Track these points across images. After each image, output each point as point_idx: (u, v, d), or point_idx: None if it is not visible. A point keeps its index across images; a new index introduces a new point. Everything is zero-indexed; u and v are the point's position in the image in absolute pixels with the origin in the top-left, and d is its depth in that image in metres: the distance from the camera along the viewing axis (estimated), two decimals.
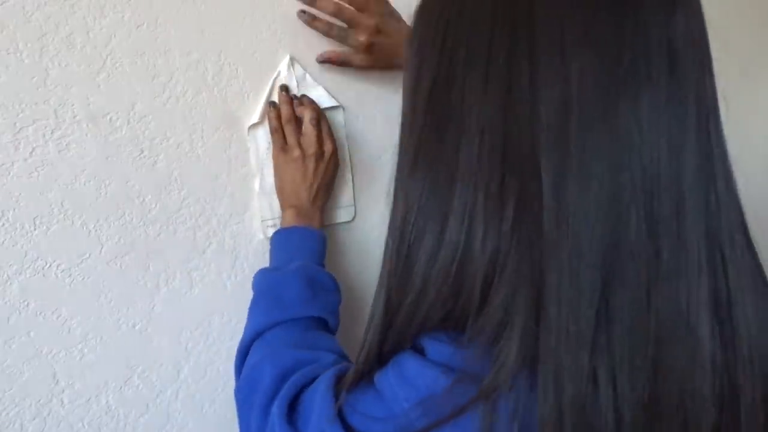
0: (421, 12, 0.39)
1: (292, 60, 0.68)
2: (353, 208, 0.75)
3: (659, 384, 0.31)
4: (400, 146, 0.39)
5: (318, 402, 0.39)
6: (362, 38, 0.65)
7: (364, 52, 0.67)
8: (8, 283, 0.52)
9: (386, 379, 0.36)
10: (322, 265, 0.63)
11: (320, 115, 0.67)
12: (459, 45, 0.35)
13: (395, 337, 0.37)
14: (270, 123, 0.65)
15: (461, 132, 0.34)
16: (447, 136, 0.35)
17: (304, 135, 0.65)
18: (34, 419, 0.54)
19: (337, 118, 0.72)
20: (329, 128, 0.67)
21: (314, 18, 0.66)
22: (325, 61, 0.68)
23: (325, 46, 0.72)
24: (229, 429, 0.68)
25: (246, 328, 0.57)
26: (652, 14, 0.32)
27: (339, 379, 0.40)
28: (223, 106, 0.63)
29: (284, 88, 0.66)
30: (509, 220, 0.32)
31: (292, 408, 0.42)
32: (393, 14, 0.67)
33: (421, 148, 0.36)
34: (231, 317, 0.66)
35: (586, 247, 0.31)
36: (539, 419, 0.30)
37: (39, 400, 0.55)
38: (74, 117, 0.54)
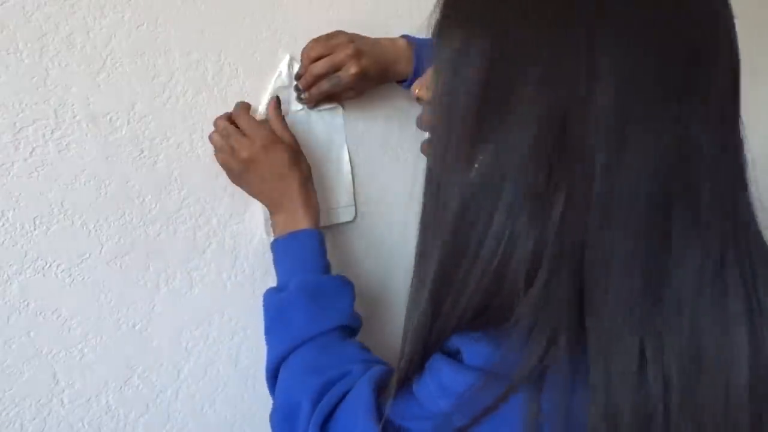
0: (454, 5, 0.37)
1: (292, 60, 0.68)
2: (354, 208, 0.75)
3: (702, 375, 0.31)
4: (438, 142, 0.38)
5: (362, 417, 0.39)
6: (353, 69, 0.63)
7: (361, 80, 0.65)
8: (8, 283, 0.52)
9: (425, 388, 0.36)
10: (324, 264, 0.61)
11: (234, 117, 0.62)
12: (512, 40, 0.34)
13: (435, 338, 0.37)
14: (216, 157, 0.62)
15: (515, 126, 0.33)
16: (499, 132, 0.34)
17: (232, 147, 0.61)
18: (34, 419, 0.54)
19: (337, 119, 0.72)
20: (250, 121, 0.62)
21: (306, 90, 0.65)
22: (320, 101, 0.67)
23: None
24: (229, 429, 0.68)
25: (268, 354, 0.57)
26: (721, 6, 0.33)
27: (378, 389, 0.40)
28: (223, 106, 0.63)
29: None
30: (557, 216, 0.32)
31: (326, 428, 0.43)
32: (357, 36, 0.66)
33: (472, 142, 0.35)
34: (231, 317, 0.66)
35: (632, 242, 0.31)
36: (591, 404, 0.31)
37: (39, 400, 0.55)
38: (74, 117, 0.54)
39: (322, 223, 0.65)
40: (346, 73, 0.63)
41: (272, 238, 0.63)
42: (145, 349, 0.60)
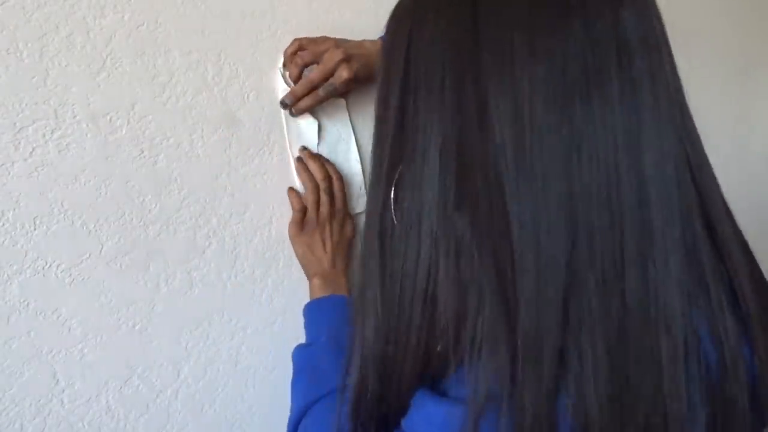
0: (385, 44, 0.40)
1: None
2: (364, 198, 0.75)
3: (630, 379, 0.31)
4: (371, 172, 0.40)
5: None
6: (345, 74, 0.63)
7: (351, 84, 0.65)
8: (8, 283, 0.52)
9: (412, 422, 0.36)
10: None
11: (334, 178, 0.68)
12: (418, 71, 0.36)
13: (393, 375, 0.37)
14: (292, 202, 0.68)
15: (424, 159, 0.35)
16: (411, 164, 0.36)
17: (321, 206, 0.67)
18: (34, 419, 0.54)
19: (340, 110, 0.72)
20: (341, 188, 0.68)
21: (299, 100, 0.65)
22: (308, 108, 0.68)
23: None
24: (229, 429, 0.68)
25: (292, 408, 0.58)
26: (598, 16, 0.32)
27: None
28: (223, 106, 0.63)
29: (303, 148, 0.68)
30: (468, 241, 0.33)
31: None
32: (341, 40, 0.66)
33: (391, 180, 0.37)
34: (231, 317, 0.66)
35: (549, 251, 0.31)
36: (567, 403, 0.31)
37: (39, 400, 0.55)
38: (74, 117, 0.54)
39: None
40: (339, 80, 0.64)
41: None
42: (145, 349, 0.60)
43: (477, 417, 0.31)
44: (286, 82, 0.67)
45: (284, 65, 0.67)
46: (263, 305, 0.69)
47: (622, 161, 0.32)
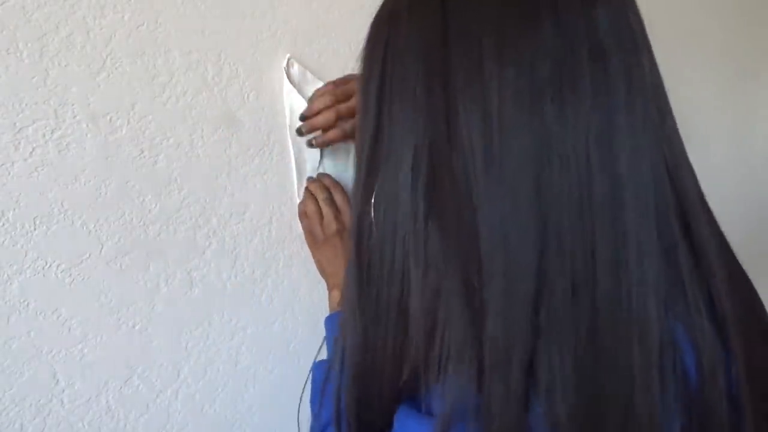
0: (364, 53, 0.40)
1: (291, 60, 0.68)
2: None
3: (600, 388, 0.31)
4: (354, 184, 0.40)
5: None
6: None
7: None
8: (8, 283, 0.52)
9: None
10: None
11: (333, 190, 0.68)
12: (392, 80, 0.36)
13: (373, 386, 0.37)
14: (301, 220, 0.68)
15: (397, 168, 0.35)
16: (387, 173, 0.36)
17: (324, 217, 0.67)
18: (34, 419, 0.54)
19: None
20: (345, 199, 0.68)
21: (316, 129, 0.65)
22: (325, 144, 0.67)
23: (325, 45, 0.72)
24: (229, 429, 0.68)
25: (312, 425, 0.57)
26: (569, 17, 0.32)
27: None
28: (223, 106, 0.63)
29: (309, 179, 0.69)
30: (436, 251, 0.33)
31: None
32: None
33: (368, 189, 0.37)
34: (231, 317, 0.66)
35: (517, 256, 0.31)
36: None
37: (39, 400, 0.55)
38: (74, 117, 0.54)
39: None
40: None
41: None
42: (145, 349, 0.60)
43: (446, 429, 0.31)
44: (291, 81, 0.67)
45: (289, 62, 0.67)
46: (263, 305, 0.69)
47: (594, 162, 0.31)
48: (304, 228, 0.69)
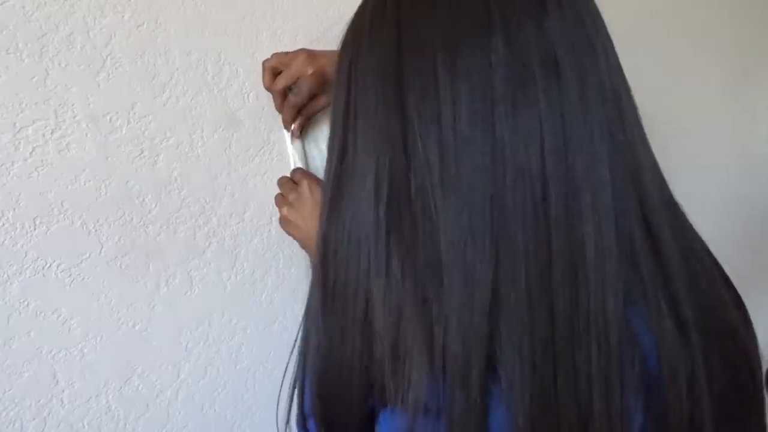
0: (335, 75, 0.40)
1: None
2: None
3: (558, 393, 0.31)
4: (321, 201, 0.40)
5: None
6: (309, 70, 0.61)
7: (321, 82, 0.63)
8: (8, 283, 0.52)
9: None
10: None
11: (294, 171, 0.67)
12: (356, 99, 0.37)
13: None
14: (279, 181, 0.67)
15: (360, 184, 0.35)
16: (351, 189, 0.36)
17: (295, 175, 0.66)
18: (34, 419, 0.54)
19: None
20: (300, 171, 0.67)
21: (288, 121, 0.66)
22: (300, 128, 0.67)
23: (325, 45, 0.72)
24: (229, 429, 0.68)
25: None
26: (520, 29, 0.32)
27: None
28: (223, 106, 0.63)
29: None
30: (399, 264, 0.33)
31: None
32: (314, 52, 0.64)
33: (333, 208, 0.38)
34: (231, 317, 0.66)
35: (474, 268, 0.31)
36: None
37: (39, 400, 0.55)
38: (74, 117, 0.54)
39: None
40: (305, 77, 0.61)
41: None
42: (145, 349, 0.60)
43: (413, 421, 0.31)
44: None
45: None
46: (263, 305, 0.69)
47: (549, 173, 0.31)
48: (277, 204, 0.66)
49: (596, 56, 0.34)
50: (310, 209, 0.63)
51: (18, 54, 0.51)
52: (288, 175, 0.68)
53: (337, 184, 0.38)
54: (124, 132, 0.57)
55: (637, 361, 0.32)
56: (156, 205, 0.60)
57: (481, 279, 0.31)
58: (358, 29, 0.39)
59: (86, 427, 0.57)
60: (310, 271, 0.67)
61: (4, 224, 0.52)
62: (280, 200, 0.65)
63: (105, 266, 0.57)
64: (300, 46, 0.68)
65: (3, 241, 0.52)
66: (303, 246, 0.65)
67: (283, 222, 0.64)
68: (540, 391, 0.31)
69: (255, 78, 0.66)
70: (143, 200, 0.59)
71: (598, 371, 0.31)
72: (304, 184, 0.63)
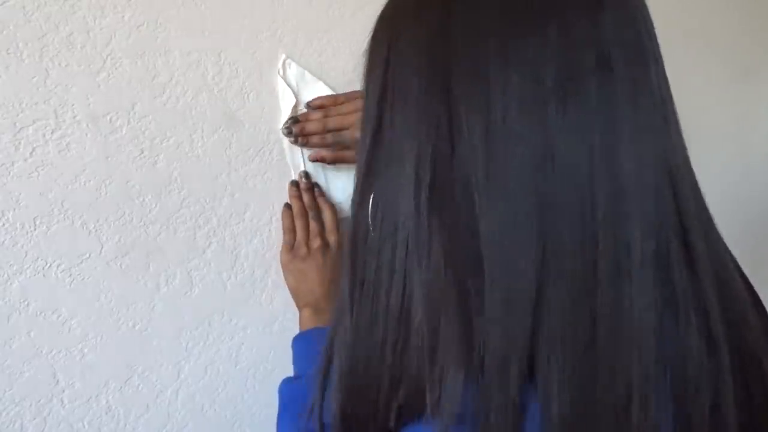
0: (367, 55, 0.39)
1: (287, 60, 0.68)
2: None
3: (597, 399, 0.30)
4: (354, 186, 0.39)
5: None
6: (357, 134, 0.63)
7: None
8: (8, 283, 0.52)
9: None
10: None
11: (322, 206, 0.67)
12: (394, 83, 0.35)
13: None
14: (283, 221, 0.67)
15: (399, 171, 0.34)
16: (387, 176, 0.35)
17: (309, 232, 0.66)
18: (34, 419, 0.54)
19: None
20: (333, 218, 0.68)
21: (307, 138, 0.66)
22: (318, 160, 0.68)
23: (324, 45, 0.72)
24: (229, 429, 0.68)
25: None
26: (575, 21, 0.31)
27: None
28: (223, 106, 0.63)
29: (304, 175, 0.68)
30: (441, 253, 0.32)
31: None
32: None
33: (366, 191, 0.37)
34: (231, 317, 0.66)
35: (517, 266, 0.30)
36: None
37: (39, 400, 0.55)
38: (74, 117, 0.54)
39: None
40: (350, 138, 0.63)
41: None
42: (145, 349, 0.60)
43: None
44: (287, 82, 0.67)
45: (284, 64, 0.67)
46: (263, 305, 0.69)
47: (598, 171, 0.31)
48: (283, 247, 0.67)
49: (647, 60, 0.33)
50: (314, 273, 0.64)
51: (18, 54, 0.51)
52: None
53: (369, 169, 0.36)
54: (124, 132, 0.57)
55: (669, 374, 0.31)
56: (156, 205, 0.60)
57: (525, 276, 0.30)
58: (398, 8, 0.37)
59: (86, 427, 0.57)
60: None
61: (4, 224, 0.52)
62: (287, 247, 0.66)
63: (105, 266, 0.57)
64: (300, 46, 0.68)
65: (3, 241, 0.52)
66: (293, 296, 0.66)
67: (282, 266, 0.66)
68: (579, 395, 0.30)
69: (255, 78, 0.66)
70: (143, 200, 0.59)
71: (638, 381, 0.30)
72: (316, 247, 0.64)
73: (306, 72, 0.69)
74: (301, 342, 0.62)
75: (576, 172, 0.31)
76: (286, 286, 0.67)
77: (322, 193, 0.69)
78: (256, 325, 0.69)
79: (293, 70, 0.68)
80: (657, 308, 0.31)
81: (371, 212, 0.36)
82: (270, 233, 0.69)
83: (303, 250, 0.65)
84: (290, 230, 0.66)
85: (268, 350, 0.70)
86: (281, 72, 0.67)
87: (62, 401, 0.56)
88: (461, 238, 0.32)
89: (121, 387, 0.59)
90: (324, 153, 0.67)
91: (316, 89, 0.69)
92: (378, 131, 0.36)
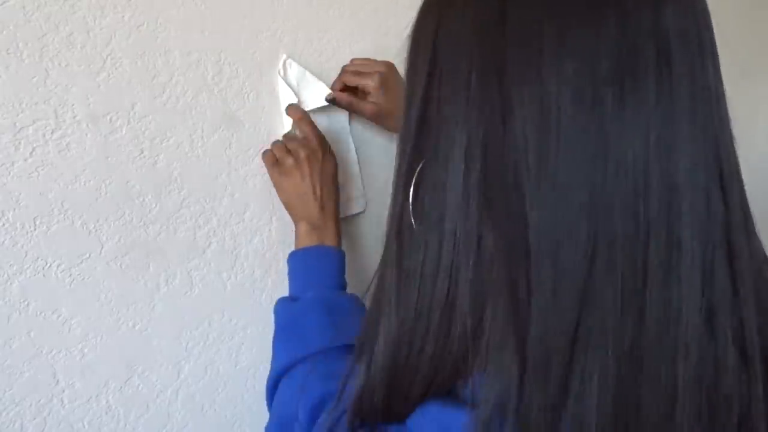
0: (413, 36, 0.38)
1: (288, 60, 0.68)
2: (364, 199, 0.76)
3: (639, 402, 0.29)
4: (395, 172, 0.38)
5: None
6: (372, 83, 0.66)
7: (374, 97, 0.67)
8: (8, 283, 0.52)
9: (421, 429, 0.34)
10: (343, 284, 0.62)
11: (303, 117, 0.66)
12: (443, 67, 0.34)
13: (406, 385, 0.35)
14: (264, 159, 0.65)
15: (447, 158, 0.33)
16: (434, 163, 0.34)
17: (291, 141, 0.65)
18: (34, 419, 0.54)
19: (340, 112, 0.72)
20: (313, 126, 0.66)
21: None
22: (332, 100, 0.68)
23: (324, 45, 0.72)
24: (229, 429, 0.68)
25: (272, 365, 0.56)
26: (636, 11, 0.30)
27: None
28: (223, 106, 0.63)
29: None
30: (489, 249, 0.32)
31: None
32: (396, 73, 0.69)
33: (409, 177, 0.35)
34: (231, 317, 0.66)
35: (566, 262, 0.30)
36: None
37: (39, 400, 0.55)
38: (74, 117, 0.54)
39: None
40: (365, 82, 0.66)
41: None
42: (145, 349, 0.60)
43: (486, 423, 0.30)
44: (287, 83, 0.67)
45: (285, 64, 0.67)
46: (263, 305, 0.69)
47: (652, 170, 0.29)
48: (267, 163, 0.65)
49: (706, 55, 0.32)
50: (305, 185, 0.63)
51: (18, 54, 0.51)
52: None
53: (414, 155, 0.35)
54: (124, 132, 0.57)
55: (704, 383, 0.30)
56: (156, 205, 0.60)
57: (575, 270, 0.29)
58: None
59: (86, 427, 0.57)
60: (291, 234, 0.66)
61: (4, 224, 0.52)
62: (271, 161, 0.64)
63: (105, 266, 0.57)
64: (300, 46, 0.68)
65: (3, 241, 0.52)
66: (287, 210, 0.65)
67: (273, 183, 0.65)
68: (622, 394, 0.29)
69: (255, 78, 0.66)
70: (143, 200, 0.59)
71: (683, 389, 0.29)
72: (302, 154, 0.63)
73: (306, 72, 0.69)
74: (299, 260, 0.62)
75: (630, 169, 0.29)
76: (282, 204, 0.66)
77: (295, 107, 0.67)
78: (256, 325, 0.69)
79: (294, 70, 0.68)
80: (702, 314, 0.30)
81: (414, 202, 0.35)
82: (270, 233, 0.69)
83: (289, 161, 0.63)
84: (275, 145, 0.65)
85: (268, 350, 0.69)
86: (282, 72, 0.67)
87: (62, 401, 0.56)
88: (511, 230, 0.31)
89: (121, 387, 0.59)
90: (341, 97, 0.68)
91: (317, 89, 0.69)
92: (423, 118, 0.35)
